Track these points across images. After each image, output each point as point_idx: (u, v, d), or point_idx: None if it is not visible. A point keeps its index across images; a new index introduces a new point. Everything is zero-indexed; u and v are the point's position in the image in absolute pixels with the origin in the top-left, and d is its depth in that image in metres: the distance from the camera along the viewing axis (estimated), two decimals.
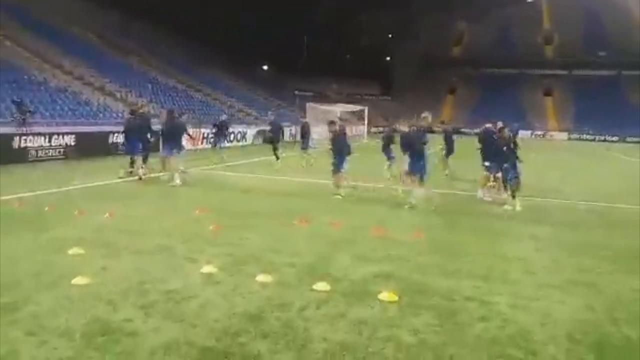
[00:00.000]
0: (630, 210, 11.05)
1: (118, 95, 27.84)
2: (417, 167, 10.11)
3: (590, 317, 4.78)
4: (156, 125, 14.35)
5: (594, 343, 4.23)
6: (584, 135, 56.98)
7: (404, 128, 11.15)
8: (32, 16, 31.37)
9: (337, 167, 11.22)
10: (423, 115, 10.93)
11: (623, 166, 24.89)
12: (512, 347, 4.08)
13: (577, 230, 8.75)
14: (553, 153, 31.74)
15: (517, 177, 10.27)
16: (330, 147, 11.50)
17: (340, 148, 11.28)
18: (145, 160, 13.07)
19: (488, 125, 12.03)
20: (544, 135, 57.86)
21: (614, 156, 31.58)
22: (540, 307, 4.98)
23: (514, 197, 10.22)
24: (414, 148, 10.18)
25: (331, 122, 12.10)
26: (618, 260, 6.78)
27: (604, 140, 54.15)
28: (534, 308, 4.94)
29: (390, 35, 76.15)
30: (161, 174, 13.01)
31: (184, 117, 14.33)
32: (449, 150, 15.66)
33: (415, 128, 10.85)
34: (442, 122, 18.04)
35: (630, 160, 27.67)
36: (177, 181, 12.04)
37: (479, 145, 11.90)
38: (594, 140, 54.79)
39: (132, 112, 14.27)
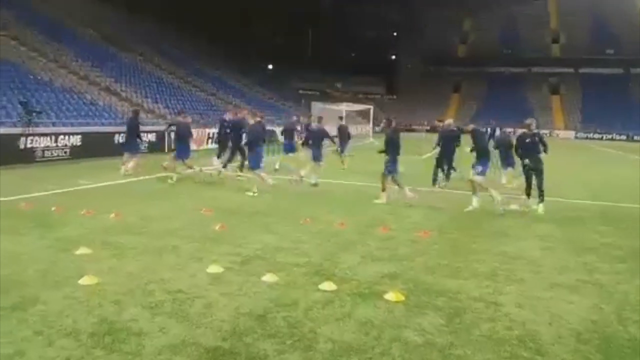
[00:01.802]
0: (637, 209, 10.98)
1: (123, 95, 27.93)
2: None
3: (598, 317, 4.75)
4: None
5: (602, 343, 4.21)
6: (591, 134, 56.68)
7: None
8: (37, 16, 31.50)
9: (391, 169, 10.52)
10: (527, 122, 10.41)
11: (630, 165, 24.74)
12: (520, 347, 4.07)
13: (583, 230, 8.71)
14: (559, 152, 31.56)
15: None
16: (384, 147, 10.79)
17: (394, 147, 10.64)
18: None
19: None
20: (550, 134, 57.58)
21: (621, 155, 31.40)
22: (548, 306, 4.95)
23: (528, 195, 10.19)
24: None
25: (387, 120, 11.66)
26: (625, 260, 6.75)
27: (612, 139, 53.87)
28: (541, 308, 4.92)
29: (395, 34, 76.10)
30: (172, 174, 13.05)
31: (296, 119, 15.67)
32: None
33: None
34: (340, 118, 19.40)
35: (638, 160, 27.50)
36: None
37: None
38: (601, 139, 54.49)
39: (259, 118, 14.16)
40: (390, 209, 10.02)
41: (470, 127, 10.96)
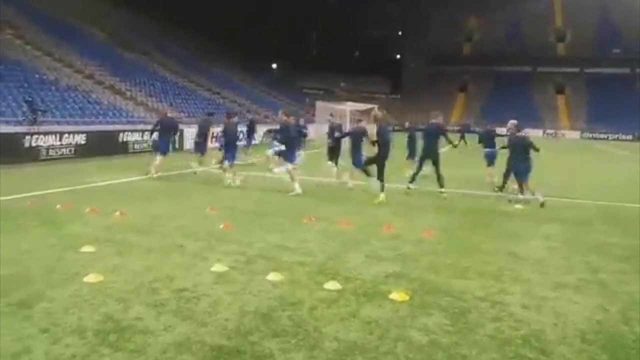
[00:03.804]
0: None
1: (128, 94, 28.02)
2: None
3: (603, 317, 4.73)
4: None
5: (607, 343, 4.19)
6: (597, 134, 56.42)
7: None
8: (42, 15, 31.64)
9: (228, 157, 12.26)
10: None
11: (636, 165, 24.62)
12: (525, 347, 4.06)
13: (588, 230, 8.68)
14: (564, 152, 31.46)
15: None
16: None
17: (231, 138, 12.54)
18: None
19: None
20: (555, 134, 57.40)
21: (627, 155, 31.27)
22: (553, 307, 4.94)
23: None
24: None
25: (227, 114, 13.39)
26: (630, 260, 6.72)
27: (617, 139, 53.62)
28: (546, 308, 4.90)
29: (399, 33, 75.96)
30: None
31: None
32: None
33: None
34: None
35: None
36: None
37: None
38: (607, 139, 54.25)
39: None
40: (395, 208, 10.01)
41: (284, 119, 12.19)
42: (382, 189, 10.65)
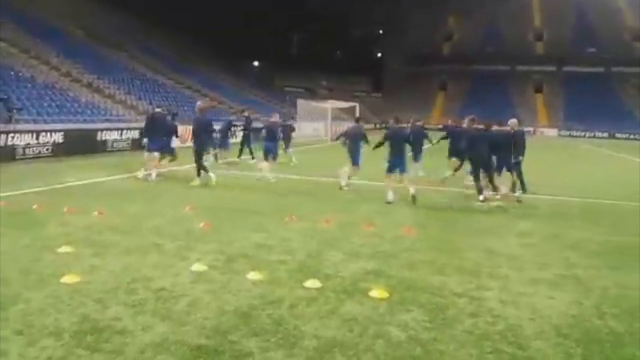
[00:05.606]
0: (617, 205, 11.17)
1: (106, 92, 27.63)
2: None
3: (578, 312, 4.83)
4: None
5: (582, 337, 4.28)
6: (574, 132, 57.47)
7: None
8: (19, 11, 31.01)
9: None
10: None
11: (611, 162, 25.11)
12: (502, 342, 4.12)
13: (564, 226, 8.82)
14: (541, 149, 31.94)
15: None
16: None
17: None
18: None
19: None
20: (534, 132, 58.19)
21: (602, 152, 31.85)
22: (529, 302, 5.02)
23: None
24: None
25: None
26: (605, 256, 6.86)
27: (594, 137, 54.70)
28: (522, 303, 4.98)
29: (380, 31, 76.30)
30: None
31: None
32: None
33: None
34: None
35: (619, 157, 27.93)
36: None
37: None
38: (583, 136, 55.29)
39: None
40: (375, 206, 10.06)
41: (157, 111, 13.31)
42: (199, 175, 11.81)
